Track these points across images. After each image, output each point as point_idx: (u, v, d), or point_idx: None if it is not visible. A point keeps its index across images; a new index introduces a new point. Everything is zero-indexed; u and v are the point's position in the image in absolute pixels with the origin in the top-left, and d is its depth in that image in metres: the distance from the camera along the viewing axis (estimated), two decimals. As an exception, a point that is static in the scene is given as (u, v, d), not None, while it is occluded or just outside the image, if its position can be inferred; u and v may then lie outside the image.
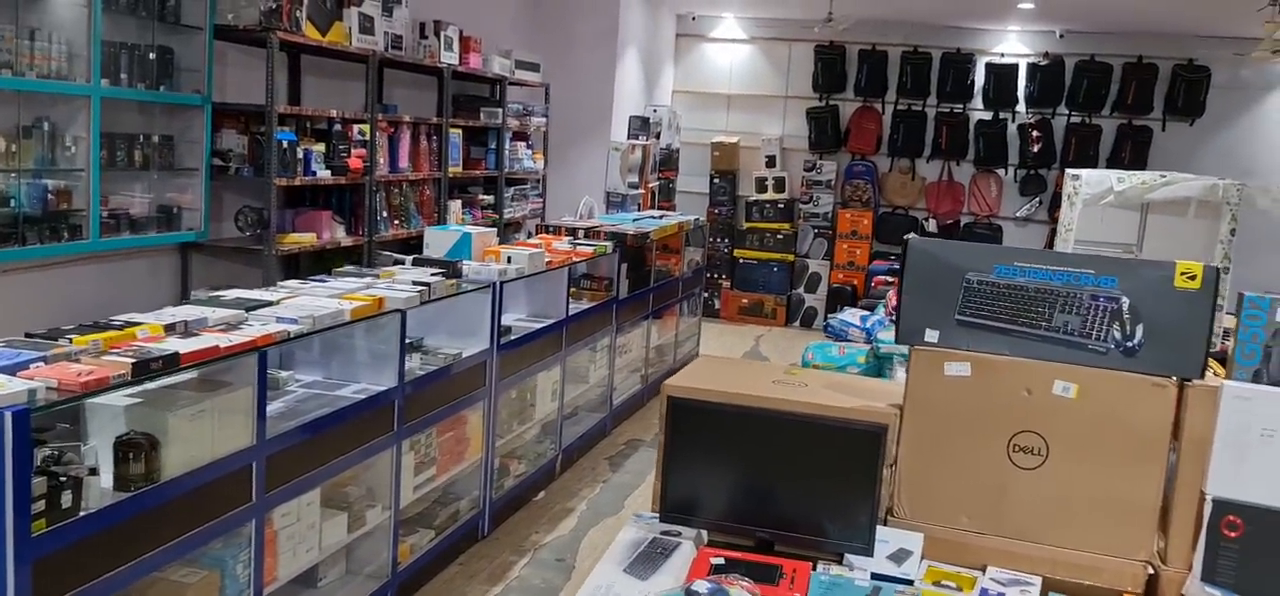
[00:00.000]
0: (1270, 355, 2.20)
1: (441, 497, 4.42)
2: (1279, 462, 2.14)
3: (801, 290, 11.05)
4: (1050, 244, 10.40)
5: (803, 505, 2.34)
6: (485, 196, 7.68)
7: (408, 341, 3.88)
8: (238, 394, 3.01)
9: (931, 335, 2.40)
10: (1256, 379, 2.20)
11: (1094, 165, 10.05)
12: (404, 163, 6.54)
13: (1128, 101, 10.21)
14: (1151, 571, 2.25)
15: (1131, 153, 10.17)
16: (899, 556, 2.31)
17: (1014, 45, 10.63)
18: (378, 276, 4.20)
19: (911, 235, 2.54)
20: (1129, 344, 2.27)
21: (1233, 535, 2.16)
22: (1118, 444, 2.27)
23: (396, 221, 6.47)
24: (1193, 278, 2.23)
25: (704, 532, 2.43)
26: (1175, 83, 10.13)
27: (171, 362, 2.70)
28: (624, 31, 9.60)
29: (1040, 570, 2.29)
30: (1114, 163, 10.13)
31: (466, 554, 4.50)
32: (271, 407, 3.30)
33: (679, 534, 2.42)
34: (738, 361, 3.87)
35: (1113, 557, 2.27)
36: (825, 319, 10.34)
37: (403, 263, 4.68)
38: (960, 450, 2.37)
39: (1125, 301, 2.26)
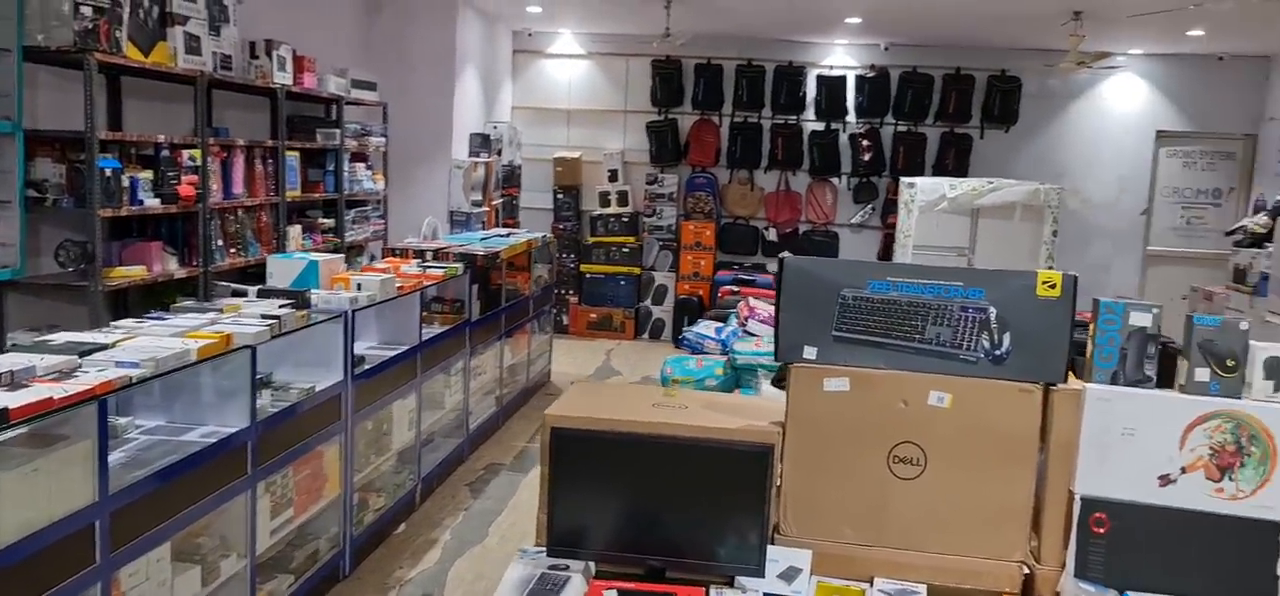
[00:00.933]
0: (1126, 357, 2.30)
1: (298, 539, 4.22)
2: (1139, 459, 2.24)
3: (649, 303, 11.13)
4: (885, 249, 10.81)
5: (692, 529, 2.33)
6: (325, 220, 7.42)
7: (257, 378, 3.68)
8: (75, 447, 2.78)
9: (810, 352, 2.42)
10: (1114, 380, 2.31)
11: (921, 172, 10.50)
12: (239, 188, 6.25)
13: (949, 110, 10.69)
14: (1027, 571, 2.33)
15: (954, 159, 10.66)
16: (789, 574, 2.32)
17: (842, 58, 11.00)
18: (221, 311, 3.98)
19: (786, 254, 2.56)
20: (997, 352, 2.34)
21: (1100, 531, 2.26)
22: (990, 449, 2.34)
23: (233, 250, 6.17)
24: (1053, 286, 2.32)
25: (592, 564, 2.38)
26: (991, 92, 10.67)
27: (0, 419, 2.47)
28: (462, 48, 9.46)
29: (925, 577, 2.34)
30: (939, 169, 10.60)
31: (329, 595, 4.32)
32: (113, 458, 3.07)
33: (567, 567, 2.36)
34: (614, 386, 3.85)
35: (990, 560, 2.34)
36: (680, 332, 10.47)
37: (245, 294, 4.45)
38: (842, 464, 2.41)
39: (993, 311, 2.34)
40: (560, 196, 11.16)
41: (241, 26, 6.34)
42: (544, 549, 2.40)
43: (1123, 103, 10.72)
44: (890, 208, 10.80)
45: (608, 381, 8.82)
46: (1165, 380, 2.31)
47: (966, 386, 2.35)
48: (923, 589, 2.32)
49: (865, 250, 10.92)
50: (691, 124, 11.12)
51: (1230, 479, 2.21)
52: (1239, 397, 2.24)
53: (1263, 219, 8.29)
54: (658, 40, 9.51)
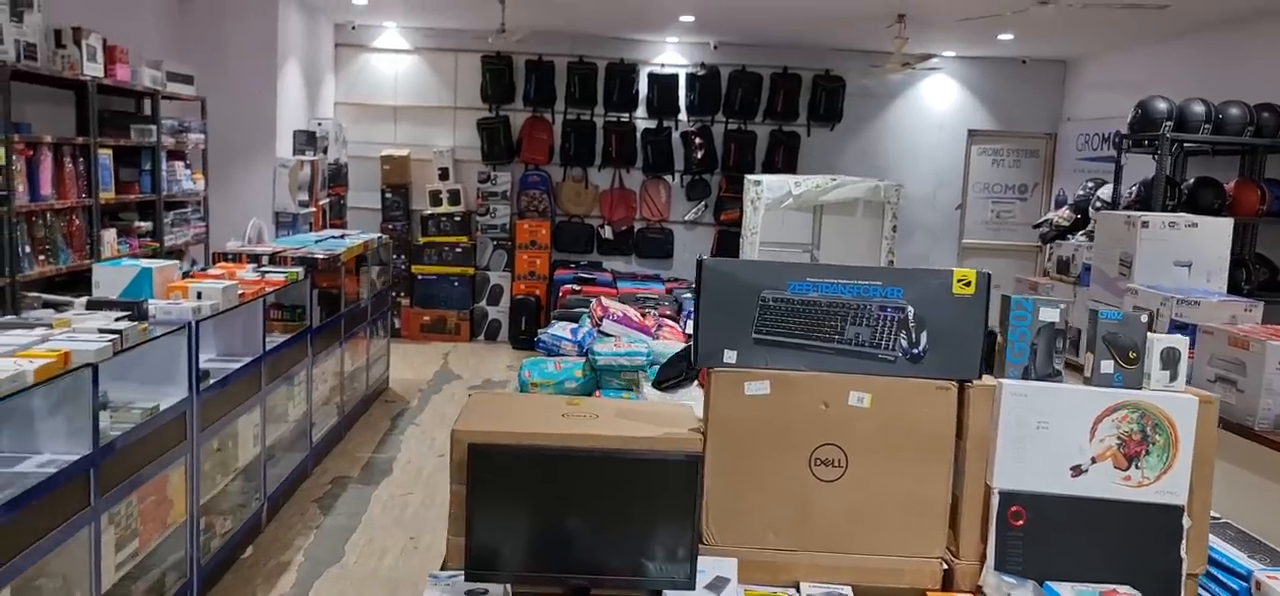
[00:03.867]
0: (1036, 352, 2.36)
1: (139, 571, 3.88)
2: (1053, 451, 2.30)
3: (485, 303, 10.91)
4: (718, 245, 10.96)
5: (618, 545, 2.24)
6: (142, 223, 6.91)
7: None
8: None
9: (730, 356, 2.37)
10: (1026, 375, 2.35)
11: (752, 169, 10.70)
12: (47, 189, 5.73)
13: (777, 109, 10.94)
14: (947, 566, 2.35)
15: (784, 157, 10.92)
16: (716, 585, 2.26)
17: (674, 56, 11.09)
18: (52, 327, 3.60)
19: (705, 257, 2.50)
20: (915, 351, 2.35)
21: (1018, 523, 2.30)
22: (909, 448, 2.35)
23: (42, 257, 5.65)
24: (968, 284, 2.35)
25: (510, 587, 2.26)
26: (816, 91, 10.99)
27: None
28: (283, 41, 9.01)
29: (849, 578, 2.33)
30: (769, 167, 10.84)
31: (174, 631, 3.99)
32: (-60, 498, 2.73)
33: (485, 591, 2.23)
34: (517, 396, 3.69)
35: (912, 557, 2.36)
36: (520, 333, 10.30)
37: (68, 305, 4.07)
38: (764, 469, 2.37)
39: (910, 310, 2.35)
40: (389, 195, 10.80)
41: (46, 12, 5.82)
42: (459, 572, 2.26)
43: (938, 103, 11.24)
44: (723, 205, 10.98)
45: (449, 386, 8.58)
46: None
47: (885, 386, 2.35)
48: (848, 590, 2.30)
49: (700, 246, 11.05)
50: (524, 121, 10.97)
51: (1136, 466, 2.29)
52: (1140, 388, 2.33)
53: (1066, 212, 8.85)
54: (493, 36, 9.33)
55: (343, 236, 7.76)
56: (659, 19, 9.88)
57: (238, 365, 4.72)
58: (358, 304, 7.16)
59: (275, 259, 6.05)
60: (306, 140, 9.28)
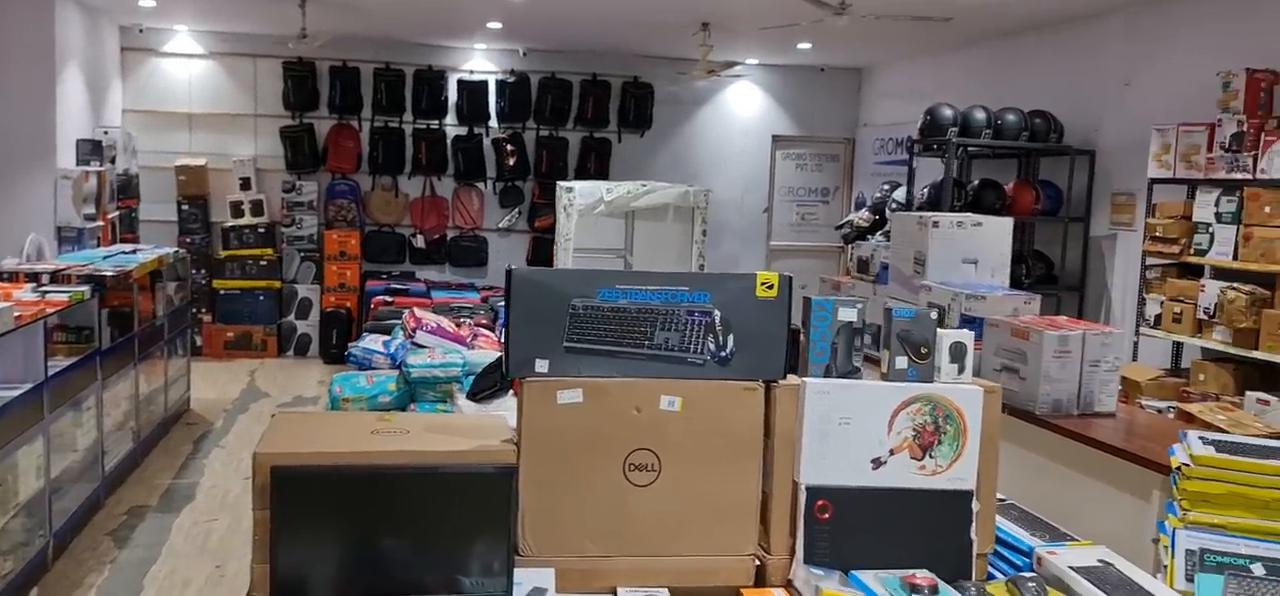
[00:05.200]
0: (836, 351, 2.46)
1: (-95, 625, 3.56)
2: (856, 445, 2.40)
3: (293, 317, 10.53)
4: (533, 252, 10.94)
5: (431, 562, 2.20)
6: (-98, 242, 6.33)
7: None
8: None
9: (541, 365, 2.37)
10: (827, 373, 2.45)
11: (564, 176, 10.74)
12: None
13: (588, 115, 11.03)
14: (759, 562, 2.42)
15: (596, 163, 11.01)
16: (534, 596, 2.25)
17: (483, 63, 11.01)
18: None
19: (514, 266, 2.48)
20: (722, 354, 2.41)
21: (824, 517, 2.39)
22: (720, 449, 2.40)
23: None
24: (771, 287, 2.42)
25: (320, 612, 2.18)
26: (626, 98, 11.13)
27: None
28: (61, 44, 8.43)
29: (665, 581, 2.36)
30: (581, 173, 10.90)
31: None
32: None
33: (293, 620, 2.15)
34: (323, 414, 3.56)
35: (726, 556, 2.41)
36: (330, 347, 9.97)
37: None
38: (579, 477, 2.37)
39: (717, 314, 2.40)
40: (185, 207, 10.28)
41: None
42: (264, 603, 2.17)
43: (743, 109, 11.57)
44: (537, 211, 10.96)
45: (257, 405, 8.24)
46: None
47: (695, 389, 2.39)
48: (664, 592, 2.34)
49: (514, 253, 11.01)
50: (329, 129, 10.66)
51: (930, 456, 2.41)
52: (932, 381, 2.46)
53: (866, 214, 9.28)
54: (293, 41, 9.01)
55: (135, 251, 7.33)
56: (466, 26, 9.79)
57: (15, 393, 4.39)
58: (153, 322, 6.78)
59: (57, 277, 5.66)
60: (91, 150, 8.72)
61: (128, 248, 7.77)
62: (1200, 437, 2.56)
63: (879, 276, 6.67)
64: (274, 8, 8.63)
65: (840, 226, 9.74)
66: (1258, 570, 2.33)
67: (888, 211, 8.77)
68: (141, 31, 10.30)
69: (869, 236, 8.74)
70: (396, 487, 2.20)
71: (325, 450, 2.26)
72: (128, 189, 9.57)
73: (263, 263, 10.35)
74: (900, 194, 8.66)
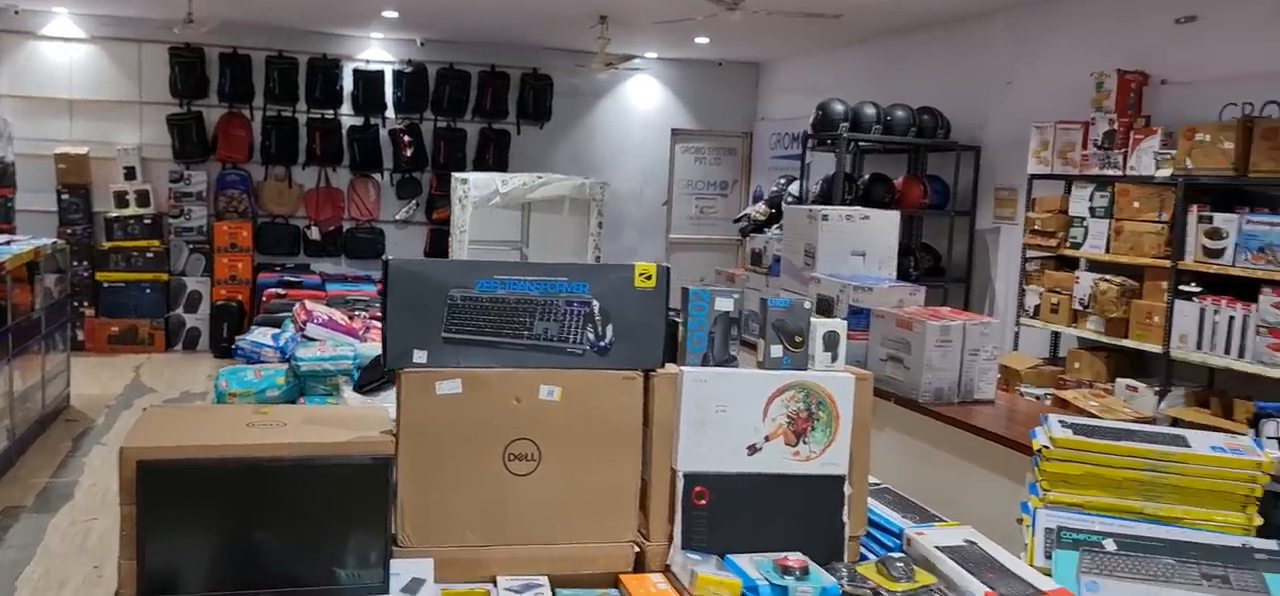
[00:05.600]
0: (714, 340, 2.50)
1: None
2: (731, 432, 2.45)
3: (181, 311, 10.24)
4: (430, 244, 10.84)
5: (308, 555, 2.18)
6: None
7: None
8: None
9: (420, 355, 2.36)
10: (705, 362, 2.49)
11: (462, 168, 10.66)
12: None
13: (486, 107, 10.96)
14: (638, 549, 2.45)
15: (494, 155, 10.95)
16: (412, 587, 2.25)
17: (379, 52, 10.85)
18: None
19: (391, 257, 2.48)
20: (602, 344, 2.43)
21: (701, 503, 2.43)
22: (600, 438, 2.43)
23: None
24: (649, 278, 2.46)
25: (191, 609, 2.15)
26: (525, 89, 11.09)
27: None
28: (-69, 26, 8.06)
29: (546, 569, 2.38)
30: (479, 165, 10.83)
31: None
32: None
33: (162, 616, 2.11)
34: (199, 408, 3.47)
35: (606, 543, 2.44)
36: (221, 340, 9.72)
37: None
38: (459, 467, 2.38)
39: (596, 304, 2.43)
40: (66, 197, 9.91)
41: None
42: (132, 599, 2.12)
43: (643, 102, 11.63)
44: (435, 203, 10.86)
45: (142, 400, 8.00)
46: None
47: (575, 378, 2.41)
48: (545, 580, 2.35)
49: (412, 245, 10.89)
50: (219, 117, 10.40)
51: (804, 442, 2.48)
52: (806, 369, 2.52)
53: (762, 207, 9.41)
54: (179, 26, 8.77)
55: (9, 242, 7.05)
56: (361, 14, 9.64)
57: (-125, 391, 4.20)
58: (29, 316, 6.53)
59: (-77, 270, 5.42)
60: (-37, 137, 8.35)
61: (2, 238, 7.47)
62: (1060, 421, 2.67)
63: (772, 269, 6.78)
64: (159, -9, 8.39)
65: (738, 219, 9.86)
66: (1109, 545, 2.44)
67: (784, 205, 8.92)
68: (17, 13, 9.89)
69: (766, 229, 8.88)
70: (268, 480, 2.17)
71: (195, 443, 2.22)
72: (3, 177, 9.20)
73: (149, 254, 10.05)
74: (796, 187, 8.81)
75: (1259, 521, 2.47)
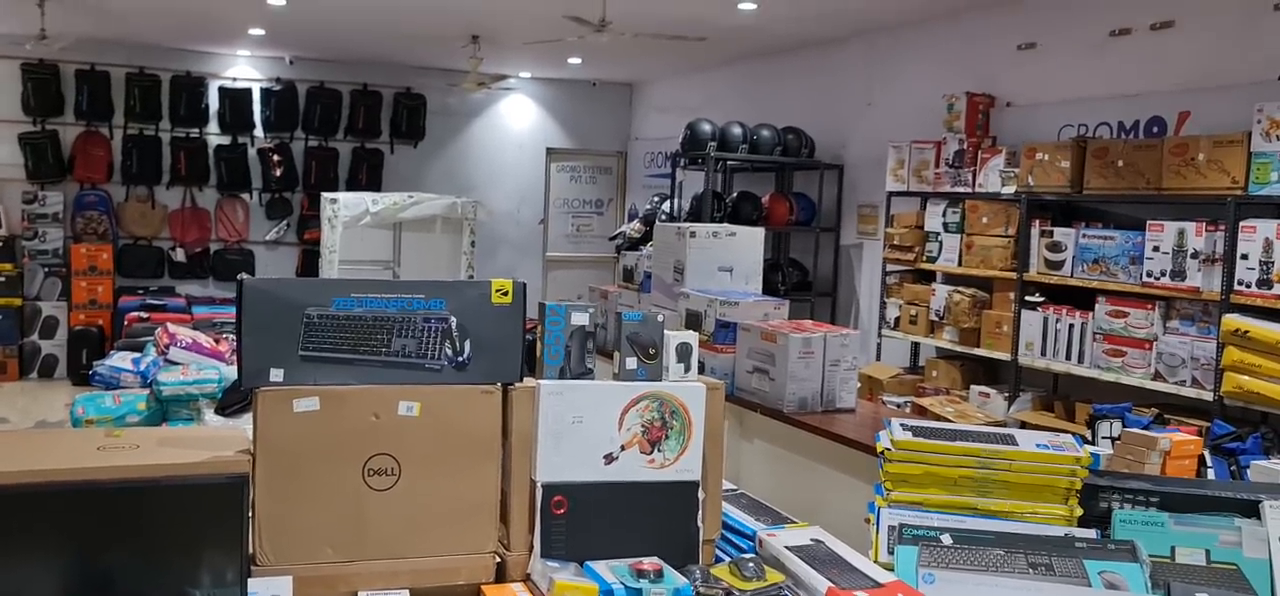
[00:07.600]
0: (570, 353, 2.58)
1: None
2: (588, 443, 2.53)
3: (36, 337, 9.82)
4: (303, 265, 10.65)
5: (160, 577, 2.16)
6: None
7: None
8: None
9: (276, 374, 2.37)
10: (562, 375, 2.57)
11: (334, 187, 10.53)
12: None
13: (359, 126, 10.85)
14: (500, 560, 2.50)
15: (367, 174, 10.83)
16: (270, 605, 2.26)
17: (247, 70, 10.64)
18: None
19: (245, 275, 2.48)
20: (460, 359, 2.48)
21: (560, 512, 2.50)
22: (459, 451, 2.47)
23: None
24: (505, 293, 2.52)
25: (37, 637, 2.11)
26: (398, 109, 11.02)
27: None
28: None
29: (407, 583, 2.41)
30: (352, 184, 10.70)
31: None
32: None
33: (5, 647, 2.07)
34: (45, 432, 3.35)
35: (467, 555, 2.48)
36: (80, 366, 9.35)
37: None
38: (317, 485, 2.39)
39: (454, 320, 2.48)
40: (-92, 220, 9.42)
41: None
42: (-27, 631, 2.07)
43: (517, 121, 11.67)
44: (306, 223, 10.68)
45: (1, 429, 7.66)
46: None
47: (433, 394, 2.45)
48: (406, 593, 2.38)
49: (283, 267, 10.68)
50: (76, 136, 10.03)
51: (659, 450, 2.57)
52: (660, 380, 2.62)
53: (637, 225, 9.56)
54: (32, 42, 8.44)
55: None
56: (227, 31, 9.44)
57: None
58: None
59: None
60: None
61: None
62: (901, 424, 2.82)
63: (643, 285, 6.90)
64: (10, 5, 8.06)
65: (614, 237, 9.99)
66: (946, 539, 2.60)
67: (658, 222, 9.07)
68: None
69: (641, 247, 9.01)
70: (118, 503, 2.15)
71: (36, 468, 2.19)
72: None
73: (1, 278, 9.61)
74: (668, 205, 8.97)
75: (1080, 512, 2.66)
